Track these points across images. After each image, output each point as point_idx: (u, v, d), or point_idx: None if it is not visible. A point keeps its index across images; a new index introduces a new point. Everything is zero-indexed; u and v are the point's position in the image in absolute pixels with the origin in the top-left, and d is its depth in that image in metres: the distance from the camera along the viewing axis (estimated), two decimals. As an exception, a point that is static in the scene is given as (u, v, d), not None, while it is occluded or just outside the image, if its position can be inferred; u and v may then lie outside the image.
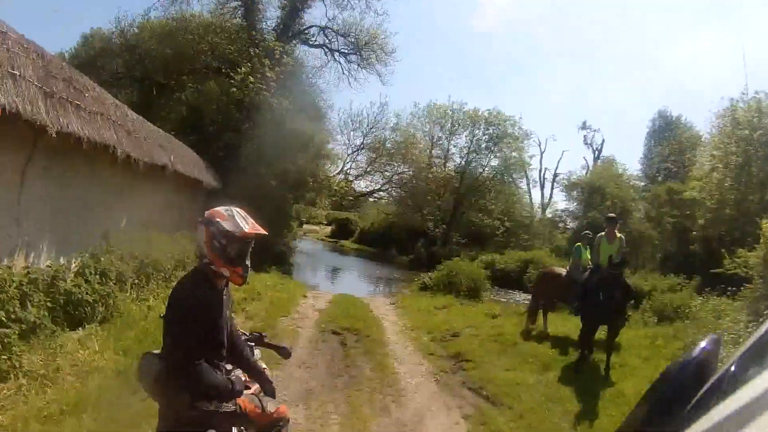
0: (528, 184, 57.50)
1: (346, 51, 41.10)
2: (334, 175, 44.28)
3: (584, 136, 62.85)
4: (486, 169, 50.31)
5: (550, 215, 55.65)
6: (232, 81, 28.96)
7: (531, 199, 58.25)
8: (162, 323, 4.16)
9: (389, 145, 54.35)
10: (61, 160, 10.49)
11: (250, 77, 28.24)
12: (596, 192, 42.67)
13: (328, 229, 68.80)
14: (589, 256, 14.19)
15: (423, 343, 14.06)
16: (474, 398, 10.13)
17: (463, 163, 50.61)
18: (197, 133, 27.51)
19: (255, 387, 4.53)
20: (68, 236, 11.03)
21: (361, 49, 40.58)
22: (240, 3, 36.06)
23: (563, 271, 15.39)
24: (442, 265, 25.61)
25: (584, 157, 68.85)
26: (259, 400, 4.44)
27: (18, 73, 8.44)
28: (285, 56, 31.41)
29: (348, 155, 54.30)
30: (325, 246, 61.26)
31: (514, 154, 49.97)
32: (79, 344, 8.89)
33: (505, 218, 48.09)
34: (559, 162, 75.01)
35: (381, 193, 58.00)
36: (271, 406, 4.51)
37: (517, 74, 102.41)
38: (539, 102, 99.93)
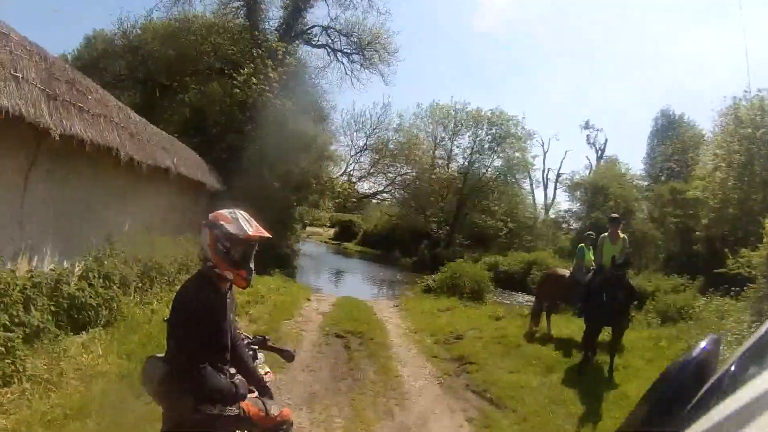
0: (531, 185, 57.67)
1: (349, 51, 41.12)
2: (337, 177, 44.44)
3: (587, 135, 63.07)
4: (489, 169, 50.36)
5: (553, 216, 55.92)
6: (235, 82, 28.94)
7: (534, 200, 58.41)
8: (166, 327, 4.16)
9: (392, 146, 54.39)
10: (64, 162, 10.48)
11: (253, 78, 28.21)
12: (599, 192, 42.71)
13: (332, 231, 68.77)
14: (593, 257, 14.18)
15: (426, 346, 14.06)
16: (478, 401, 10.10)
17: (466, 163, 50.73)
18: (200, 135, 27.46)
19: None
20: (71, 239, 11.02)
21: (364, 48, 40.58)
22: (242, 3, 36.09)
23: (566, 273, 15.30)
24: (445, 267, 25.56)
25: (587, 157, 68.87)
26: (263, 404, 4.41)
27: (21, 76, 8.44)
28: (288, 56, 31.36)
29: (351, 156, 54.40)
30: (328, 248, 61.33)
31: (517, 154, 50.13)
32: (82, 348, 8.87)
33: (509, 219, 48.19)
34: (562, 162, 74.74)
35: (384, 194, 58.19)
36: (274, 409, 4.48)
37: (519, 74, 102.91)
38: (542, 101, 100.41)
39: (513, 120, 49.25)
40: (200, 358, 3.86)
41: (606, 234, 13.04)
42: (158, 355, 4.28)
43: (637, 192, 44.58)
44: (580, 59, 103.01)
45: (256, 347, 4.90)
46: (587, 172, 56.38)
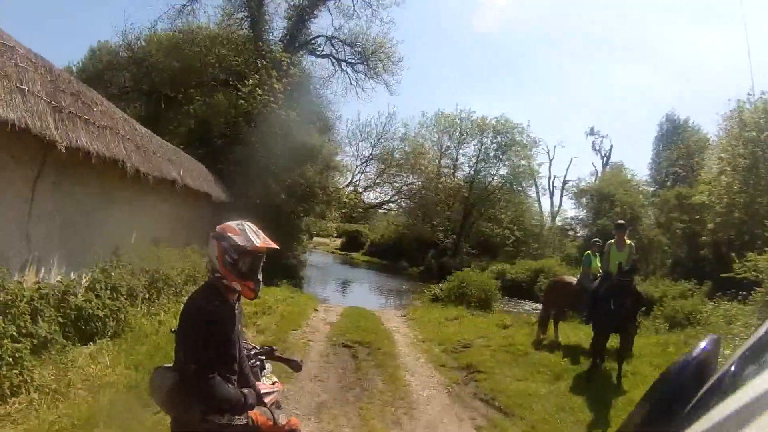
0: (537, 193, 57.67)
1: (353, 61, 41.19)
2: (343, 187, 44.29)
3: (592, 142, 63.15)
4: (495, 177, 50.40)
5: (559, 223, 55.70)
6: (240, 93, 29.00)
7: (540, 208, 58.41)
8: (174, 338, 4.18)
9: (398, 156, 54.56)
10: (70, 174, 10.51)
11: (257, 89, 28.26)
12: (605, 199, 42.65)
13: (338, 241, 68.67)
14: (599, 264, 14.13)
15: (434, 355, 13.99)
16: (486, 409, 10.06)
17: (471, 172, 50.75)
18: (206, 147, 27.53)
19: (267, 399, 4.51)
20: (78, 251, 11.04)
21: (368, 58, 40.62)
22: (246, 14, 36.24)
23: (573, 280, 15.27)
24: (452, 276, 25.44)
25: (593, 164, 69.15)
26: (271, 413, 4.42)
27: (27, 88, 8.49)
28: (292, 67, 31.39)
29: (357, 166, 54.62)
30: (335, 258, 61.26)
31: (522, 162, 50.04)
32: (90, 359, 8.90)
33: (515, 227, 48.21)
34: (567, 169, 75.19)
35: (390, 204, 58.35)
36: (282, 418, 4.49)
37: (524, 81, 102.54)
38: (547, 109, 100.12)
39: (518, 128, 49.30)
40: (209, 368, 3.86)
41: (612, 241, 13.00)
42: (166, 365, 4.29)
43: (643, 198, 44.59)
44: (584, 65, 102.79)
45: (264, 357, 4.91)
46: (593, 178, 56.34)
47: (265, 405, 4.50)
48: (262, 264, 4.20)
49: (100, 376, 8.44)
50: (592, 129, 62.79)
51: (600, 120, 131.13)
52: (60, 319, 8.97)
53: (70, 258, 10.71)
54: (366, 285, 40.89)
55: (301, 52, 37.94)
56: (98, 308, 9.93)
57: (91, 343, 9.53)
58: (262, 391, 4.48)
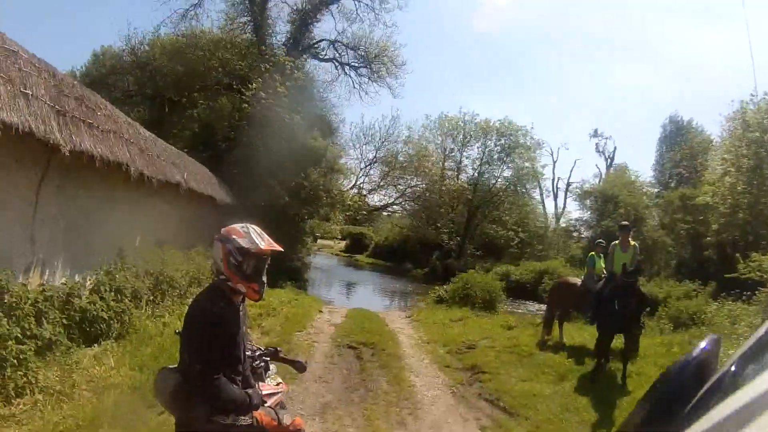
0: (541, 194, 57.54)
1: (357, 64, 41.26)
2: (347, 190, 44.42)
3: (596, 143, 63.02)
4: (499, 180, 50.40)
5: (564, 225, 55.48)
6: (244, 97, 29.12)
7: (545, 209, 58.37)
8: (178, 339, 4.19)
9: (402, 159, 54.63)
10: (74, 178, 10.53)
11: (261, 93, 28.28)
12: (609, 200, 42.49)
13: (343, 243, 68.73)
14: (603, 265, 14.15)
15: (439, 356, 13.99)
16: (491, 410, 10.05)
17: (475, 174, 50.73)
18: (210, 150, 27.65)
19: (272, 400, 4.53)
20: (83, 254, 11.06)
21: (372, 62, 40.69)
22: (249, 19, 36.34)
23: (578, 281, 15.25)
24: (457, 278, 25.44)
25: (597, 165, 68.95)
26: (276, 413, 4.43)
27: (30, 93, 8.51)
28: (296, 71, 31.42)
29: (361, 169, 54.87)
30: (339, 261, 61.17)
31: (526, 164, 50.06)
32: (94, 360, 8.93)
33: (519, 229, 48.27)
34: (571, 171, 74.93)
35: (395, 206, 58.45)
36: (286, 418, 4.51)
37: (527, 83, 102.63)
38: (550, 110, 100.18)
39: (522, 130, 49.43)
40: (214, 369, 3.86)
41: (617, 242, 12.99)
42: (171, 366, 4.30)
43: (647, 199, 44.42)
44: (586, 66, 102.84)
45: (268, 359, 4.90)
46: (597, 180, 56.33)
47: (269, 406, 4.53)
48: (266, 266, 4.21)
49: (104, 378, 8.48)
50: (595, 131, 62.93)
51: (604, 121, 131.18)
52: (64, 320, 9.01)
53: (75, 260, 10.74)
54: (370, 287, 40.90)
55: (304, 56, 37.90)
56: (102, 310, 9.97)
57: (95, 344, 9.57)
58: (267, 392, 4.48)
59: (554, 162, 60.83)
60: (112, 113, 12.75)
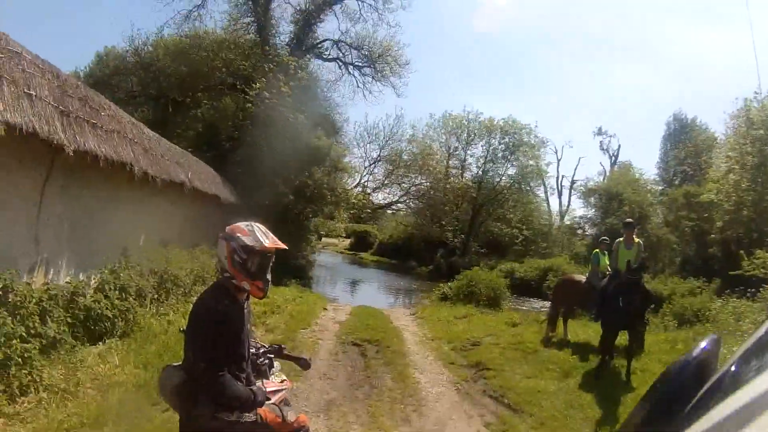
0: (545, 192, 57.71)
1: (360, 64, 41.21)
2: (351, 188, 44.44)
3: (600, 141, 63.02)
4: (503, 178, 50.62)
5: (568, 222, 55.57)
6: (247, 97, 29.16)
7: (549, 207, 58.55)
8: (183, 337, 4.21)
9: (406, 157, 54.57)
10: (78, 178, 10.54)
11: (265, 92, 28.30)
12: (614, 198, 42.52)
13: (347, 241, 68.71)
14: (608, 262, 14.14)
15: (443, 353, 13.99)
16: (495, 406, 10.05)
17: (480, 172, 50.92)
18: (214, 149, 27.77)
19: (276, 397, 4.54)
20: (87, 253, 11.08)
21: (375, 61, 40.65)
22: (253, 19, 36.34)
23: (582, 278, 15.26)
24: (461, 275, 25.34)
25: (601, 163, 69.01)
26: (280, 410, 4.44)
27: (34, 93, 8.52)
28: (299, 71, 31.54)
29: (365, 168, 54.73)
30: (344, 259, 61.28)
31: (530, 162, 50.16)
32: (99, 358, 8.96)
33: (524, 227, 48.33)
34: (576, 169, 74.92)
35: (399, 204, 58.35)
36: (291, 415, 4.52)
37: (529, 82, 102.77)
38: (554, 109, 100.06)
39: (526, 128, 49.54)
40: (219, 366, 3.88)
41: (621, 239, 12.99)
42: (175, 363, 4.32)
43: (652, 197, 44.50)
44: (588, 65, 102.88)
45: (272, 356, 4.91)
46: (601, 178, 56.27)
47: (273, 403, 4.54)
48: (271, 264, 4.23)
49: (109, 376, 8.51)
50: (599, 129, 62.87)
51: (608, 120, 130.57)
52: (69, 319, 9.03)
53: (79, 260, 10.77)
54: (375, 284, 40.84)
55: (308, 56, 37.93)
56: (107, 308, 10.00)
57: (100, 342, 9.59)
58: (271, 389, 4.50)
59: (558, 160, 61.00)
60: (115, 113, 12.77)
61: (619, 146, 62.35)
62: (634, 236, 12.95)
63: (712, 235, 28.61)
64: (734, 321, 13.86)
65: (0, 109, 7.41)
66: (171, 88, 34.30)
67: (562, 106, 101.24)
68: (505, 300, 24.18)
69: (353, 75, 41.46)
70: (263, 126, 27.85)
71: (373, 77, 41.42)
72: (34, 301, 8.16)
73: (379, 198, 58.08)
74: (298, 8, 37.24)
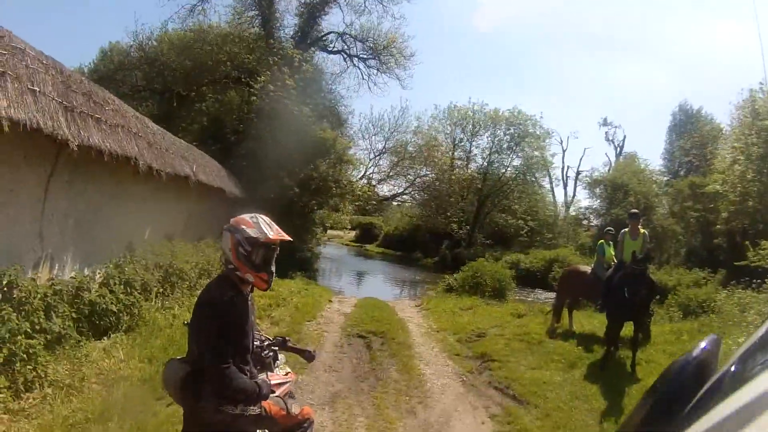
0: (551, 183, 57.50)
1: (365, 56, 41.03)
2: (356, 180, 44.32)
3: (605, 132, 62.74)
4: (508, 169, 50.56)
5: (573, 213, 55.53)
6: (252, 90, 29.21)
7: (554, 198, 58.33)
8: (187, 330, 4.24)
9: (411, 149, 54.66)
10: (83, 173, 10.55)
11: (269, 86, 28.28)
12: (619, 189, 42.43)
13: (353, 233, 68.74)
14: (613, 253, 14.16)
15: (449, 344, 14.02)
16: (500, 398, 10.08)
17: (485, 163, 50.90)
18: (219, 143, 27.81)
19: (280, 390, 4.55)
20: (92, 248, 11.11)
21: (380, 53, 40.47)
22: (257, 12, 36.22)
23: (587, 269, 15.28)
24: (466, 267, 25.42)
25: (606, 154, 68.84)
26: (285, 403, 4.47)
27: (38, 89, 8.52)
28: (304, 63, 31.43)
29: (370, 160, 54.93)
30: (349, 251, 61.40)
31: (536, 153, 50.09)
32: (104, 353, 8.98)
33: (529, 218, 48.35)
34: (581, 159, 74.54)
35: (404, 196, 58.56)
36: (295, 408, 4.55)
37: (536, 72, 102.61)
38: (560, 100, 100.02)
39: (531, 119, 49.45)
40: (224, 358, 3.90)
41: (626, 230, 13.01)
42: (179, 357, 4.35)
43: (657, 187, 44.41)
44: (596, 56, 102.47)
45: (277, 348, 4.93)
46: (606, 168, 56.12)
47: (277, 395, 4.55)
48: (275, 256, 4.25)
49: (114, 370, 8.54)
50: (605, 120, 62.48)
51: (612, 111, 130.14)
52: (74, 314, 9.05)
53: (84, 255, 10.79)
54: (380, 276, 40.97)
55: (312, 49, 37.89)
56: (112, 303, 10.01)
57: (105, 337, 9.62)
58: (276, 382, 4.52)
59: (564, 151, 60.69)
60: (120, 108, 12.76)
61: (625, 137, 62.17)
62: (639, 227, 12.96)
63: (718, 226, 28.51)
64: (739, 312, 13.83)
65: (4, 106, 7.39)
66: (175, 82, 34.32)
67: (567, 98, 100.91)
68: (511, 291, 24.32)
69: (358, 67, 41.33)
70: (268, 119, 27.84)
71: (378, 69, 41.27)
72: (38, 296, 8.19)
73: (385, 190, 58.31)
74: (302, 1, 37.15)
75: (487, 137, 51.20)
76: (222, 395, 3.96)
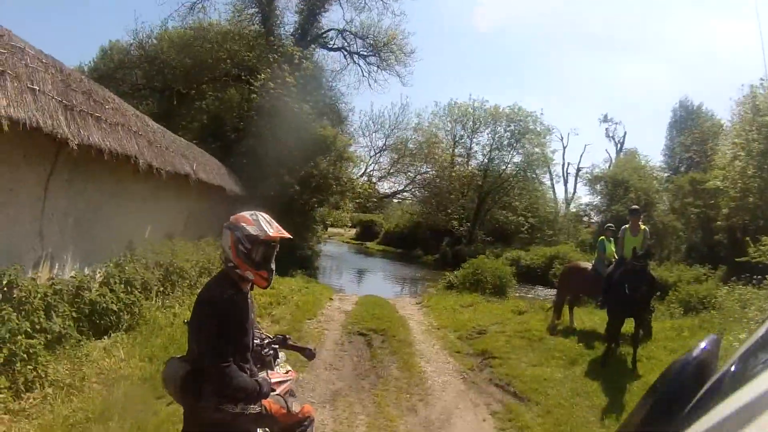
0: (551, 180, 57.46)
1: (365, 53, 41.04)
2: (357, 178, 44.37)
3: (606, 129, 62.78)
4: (509, 165, 50.50)
5: (574, 210, 55.60)
6: (252, 87, 29.19)
7: (555, 195, 58.31)
8: (187, 329, 4.23)
9: (411, 146, 54.60)
10: (83, 172, 10.54)
11: (270, 83, 28.27)
12: (619, 185, 42.43)
13: (353, 231, 68.76)
14: (614, 249, 14.16)
15: (449, 342, 14.04)
16: (501, 395, 10.10)
17: (485, 160, 50.83)
18: (219, 141, 27.88)
19: (281, 388, 4.55)
20: (92, 247, 11.11)
21: (380, 50, 40.47)
22: (257, 10, 36.20)
23: (588, 266, 15.28)
24: (467, 264, 25.41)
25: (606, 150, 68.91)
26: (285, 401, 4.47)
27: (37, 88, 8.50)
28: (304, 61, 31.38)
29: (371, 157, 54.96)
30: (350, 248, 61.40)
31: (536, 149, 50.10)
32: (104, 352, 8.99)
33: (530, 214, 48.32)
34: (581, 156, 74.80)
35: (405, 193, 58.53)
36: (295, 406, 4.55)
37: (536, 71, 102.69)
38: (560, 97, 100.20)
39: (531, 116, 49.38)
40: (224, 357, 3.89)
41: (627, 226, 13.03)
42: (179, 356, 4.34)
43: (657, 183, 44.38)
44: (596, 55, 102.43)
45: (277, 346, 4.92)
46: (607, 165, 56.12)
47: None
48: (275, 253, 4.24)
49: (114, 370, 8.55)
50: (605, 116, 62.62)
51: (613, 107, 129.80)
52: (74, 314, 9.05)
53: (84, 254, 10.79)
54: (381, 274, 40.93)
55: (312, 46, 37.84)
56: (112, 302, 10.02)
57: (105, 336, 9.63)
58: (276, 380, 4.51)
59: (564, 147, 60.94)
60: (120, 106, 12.74)
61: (625, 133, 62.13)
62: (640, 223, 13.01)
63: (718, 222, 28.50)
64: (740, 308, 13.81)
65: (4, 105, 7.39)
66: (176, 81, 34.31)
67: (567, 97, 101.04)
68: (511, 288, 24.32)
69: (358, 64, 41.37)
70: (268, 116, 27.85)
71: (378, 66, 41.29)
72: (38, 296, 8.19)
73: (385, 187, 58.28)
74: (302, -2, 37.05)
75: (488, 134, 51.28)
76: (222, 394, 3.95)
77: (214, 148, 24.93)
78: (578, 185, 59.45)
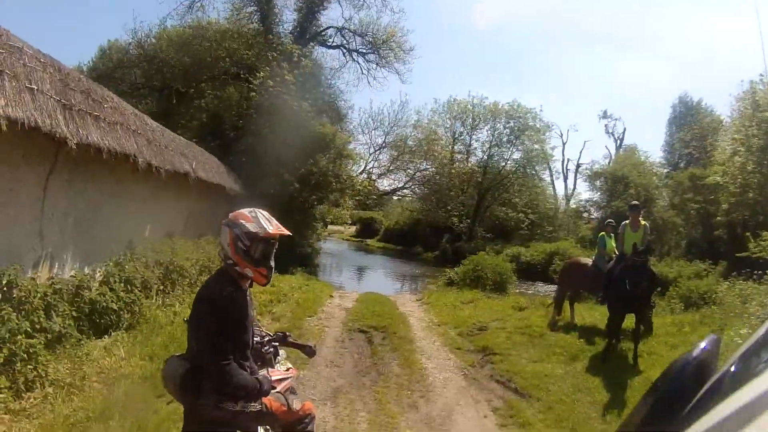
0: (551, 176, 57.60)
1: (364, 51, 41.05)
2: (356, 175, 44.28)
3: (605, 125, 62.85)
4: (508, 162, 50.62)
5: (574, 206, 55.55)
6: (251, 86, 29.18)
7: (554, 191, 58.49)
8: (187, 327, 4.23)
9: (411, 143, 54.60)
10: (82, 171, 10.52)
11: (269, 81, 28.26)
12: (619, 181, 42.42)
13: (353, 228, 68.84)
14: (614, 245, 14.15)
15: (450, 338, 14.04)
16: (502, 391, 10.09)
17: (485, 157, 50.98)
18: (218, 139, 27.93)
19: (281, 385, 4.55)
20: (92, 246, 11.09)
21: (379, 48, 40.49)
22: (256, 8, 36.20)
23: (588, 261, 15.28)
24: (467, 260, 25.44)
25: (606, 146, 68.82)
26: (285, 399, 4.46)
27: (36, 88, 8.49)
28: (303, 59, 31.51)
29: (370, 154, 54.77)
30: (350, 246, 61.55)
31: (536, 146, 50.23)
32: (105, 351, 8.98)
33: (529, 211, 48.42)
34: (581, 152, 74.69)
35: (404, 190, 58.54)
36: (296, 403, 4.54)
37: (535, 68, 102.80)
38: (560, 93, 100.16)
39: (531, 112, 49.52)
40: (224, 354, 3.88)
41: (627, 222, 13.00)
42: (179, 354, 4.34)
43: (657, 179, 44.39)
44: (595, 52, 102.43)
45: (277, 344, 4.91)
46: (607, 161, 56.33)
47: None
48: (274, 251, 4.24)
49: (115, 369, 8.54)
50: (605, 112, 62.57)
51: (612, 104, 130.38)
52: (74, 313, 9.03)
53: (84, 253, 10.78)
54: (381, 271, 41.02)
55: (311, 44, 37.89)
56: (112, 301, 10.01)
57: (105, 336, 9.63)
58: (276, 378, 4.50)
59: (564, 144, 61.55)
60: (118, 105, 12.72)
61: (625, 129, 62.22)
62: (640, 219, 12.96)
63: (718, 218, 28.52)
64: (741, 303, 13.81)
65: (2, 104, 7.38)
66: (174, 79, 34.31)
67: (566, 94, 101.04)
68: (512, 284, 24.37)
69: (357, 62, 41.36)
70: (267, 115, 27.81)
71: (377, 64, 41.32)
72: (38, 295, 8.18)
73: (385, 184, 58.25)
74: (301, -4, 37.05)
75: (487, 131, 51.43)
76: (222, 392, 3.95)
77: (213, 146, 24.98)
78: (578, 181, 59.79)
